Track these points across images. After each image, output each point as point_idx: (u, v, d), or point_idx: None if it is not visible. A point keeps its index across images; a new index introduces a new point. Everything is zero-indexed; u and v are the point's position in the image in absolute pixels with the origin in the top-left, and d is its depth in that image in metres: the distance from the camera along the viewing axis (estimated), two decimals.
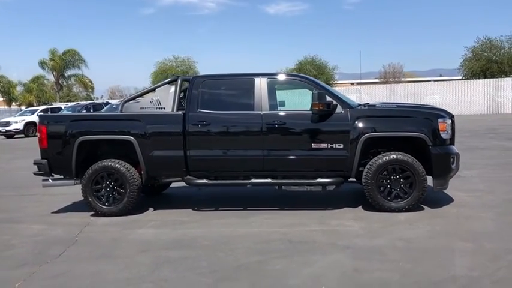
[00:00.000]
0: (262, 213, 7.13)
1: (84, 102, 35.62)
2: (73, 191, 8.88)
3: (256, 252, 5.40)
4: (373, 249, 5.34)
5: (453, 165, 6.90)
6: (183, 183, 7.86)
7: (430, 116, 6.94)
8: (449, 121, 6.94)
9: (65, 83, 48.70)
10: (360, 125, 6.85)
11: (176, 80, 7.54)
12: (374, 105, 7.59)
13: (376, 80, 53.13)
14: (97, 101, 36.04)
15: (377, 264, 4.86)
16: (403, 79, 51.61)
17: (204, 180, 7.23)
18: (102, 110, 26.87)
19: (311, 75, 44.57)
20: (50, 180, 7.69)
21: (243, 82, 7.39)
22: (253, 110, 7.10)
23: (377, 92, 36.91)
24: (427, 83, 36.95)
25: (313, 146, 6.95)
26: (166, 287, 4.53)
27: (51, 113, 29.80)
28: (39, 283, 4.77)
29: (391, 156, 6.78)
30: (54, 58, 44.09)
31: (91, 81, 47.31)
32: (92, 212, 7.50)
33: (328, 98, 6.88)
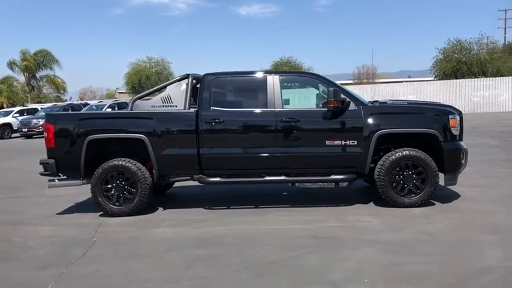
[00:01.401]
0: (276, 211, 7.13)
1: (62, 103, 34.87)
2: (69, 193, 8.80)
3: (285, 248, 5.39)
4: (401, 243, 5.41)
5: (463, 161, 7.06)
6: (183, 183, 7.83)
7: (441, 112, 7.07)
8: (458, 117, 7.09)
9: (36, 84, 47.42)
10: (373, 121, 6.92)
11: (187, 78, 7.46)
12: (385, 102, 7.70)
13: (350, 82, 53.71)
14: (75, 102, 35.28)
15: (411, 257, 4.93)
16: (376, 80, 52.37)
17: (218, 179, 7.17)
18: (82, 111, 26.38)
19: None
20: (56, 180, 7.49)
21: (255, 79, 7.38)
22: (266, 108, 7.09)
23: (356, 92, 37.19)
24: (405, 83, 37.51)
25: (327, 143, 6.98)
26: (206, 284, 4.48)
27: (27, 114, 29.20)
28: (72, 283, 4.66)
29: (404, 153, 6.88)
30: (27, 58, 42.88)
31: (64, 82, 46.27)
32: (101, 212, 7.36)
33: (342, 95, 6.93)
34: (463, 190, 7.83)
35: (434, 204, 7.06)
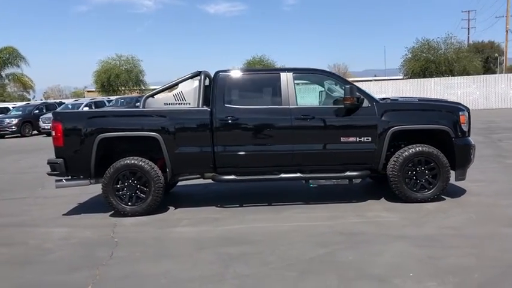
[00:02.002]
0: (290, 208, 7.15)
1: (36, 102, 33.79)
2: (68, 193, 8.63)
3: (317, 245, 5.41)
4: (429, 237, 5.50)
5: (472, 156, 7.24)
6: (183, 182, 7.79)
7: (452, 109, 7.24)
8: (467, 114, 7.27)
9: (0, 83, 45.82)
10: (387, 118, 7.02)
11: (199, 75, 7.38)
12: (397, 99, 7.81)
13: None
14: (50, 101, 34.26)
15: (444, 251, 5.02)
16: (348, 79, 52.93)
17: (233, 176, 7.13)
18: (57, 110, 25.72)
19: None
20: (63, 180, 7.29)
21: (269, 77, 7.39)
22: (280, 105, 7.09)
23: None
24: (381, 82, 38.15)
25: (342, 140, 7.04)
26: (251, 283, 4.45)
27: None
28: (111, 285, 4.55)
29: (417, 149, 7.00)
30: None
31: (31, 81, 44.91)
32: (110, 212, 7.22)
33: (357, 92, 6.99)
34: (466, 185, 7.98)
35: (444, 199, 7.21)
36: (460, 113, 7.15)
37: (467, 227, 5.85)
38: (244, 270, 4.72)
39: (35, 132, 26.08)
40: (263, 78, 7.48)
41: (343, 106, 7.01)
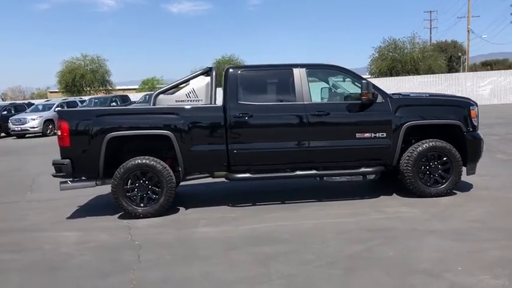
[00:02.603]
0: (306, 206, 7.05)
1: (4, 102, 32.46)
2: (58, 196, 8.26)
3: (350, 241, 5.34)
4: (458, 231, 5.52)
5: (482, 150, 7.32)
6: (183, 182, 7.56)
7: (463, 104, 7.30)
8: (476, 108, 7.36)
9: None
10: (401, 113, 7.02)
11: (210, 71, 7.19)
12: (408, 95, 7.82)
13: None
14: (18, 102, 32.93)
15: (481, 244, 5.04)
16: None
17: (247, 174, 6.97)
18: (28, 110, 24.82)
19: None
20: (68, 182, 6.96)
21: (281, 73, 7.25)
22: (295, 101, 6.98)
23: None
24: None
25: (357, 136, 6.99)
26: (300, 282, 4.32)
27: None
28: None
29: (431, 144, 7.03)
30: None
31: None
32: (118, 214, 6.96)
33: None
34: (471, 179, 8.03)
35: (456, 193, 7.26)
36: (471, 108, 7.23)
37: (491, 220, 5.89)
38: (287, 270, 4.59)
39: (3, 134, 25.03)
40: (275, 74, 7.34)
41: (358, 102, 6.97)
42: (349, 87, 7.42)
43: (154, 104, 7.18)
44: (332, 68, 7.48)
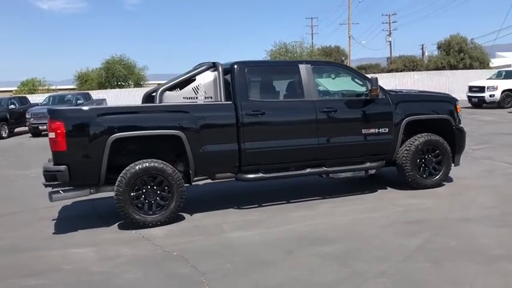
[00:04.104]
0: (318, 203, 6.95)
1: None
2: (23, 209, 7.55)
3: (401, 234, 5.37)
4: (490, 217, 5.82)
5: (465, 143, 7.82)
6: None
7: (450, 99, 7.75)
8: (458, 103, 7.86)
9: None
10: (401, 109, 7.24)
11: (214, 67, 6.76)
12: (401, 91, 8.07)
13: None
14: None
15: None
16: None
17: (260, 174, 6.68)
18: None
19: (121, 74, 42.84)
20: (61, 192, 6.09)
21: (288, 69, 7.11)
22: (303, 98, 6.86)
23: None
24: None
25: (363, 132, 7.07)
26: (401, 279, 4.21)
27: None
28: None
29: (427, 138, 7.34)
30: None
31: None
32: (116, 224, 6.32)
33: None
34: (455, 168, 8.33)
35: (444, 184, 7.63)
36: (456, 103, 7.69)
37: (503, 206, 6.30)
38: (374, 267, 4.46)
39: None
40: (282, 70, 7.19)
41: (363, 98, 7.07)
42: (350, 84, 7.46)
43: (161, 102, 6.56)
44: (333, 65, 7.49)
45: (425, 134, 7.39)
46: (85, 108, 6.79)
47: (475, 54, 45.53)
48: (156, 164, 6.13)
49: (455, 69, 40.40)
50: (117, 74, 42.81)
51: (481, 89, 20.83)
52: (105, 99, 24.98)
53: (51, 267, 4.98)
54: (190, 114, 6.29)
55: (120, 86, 41.98)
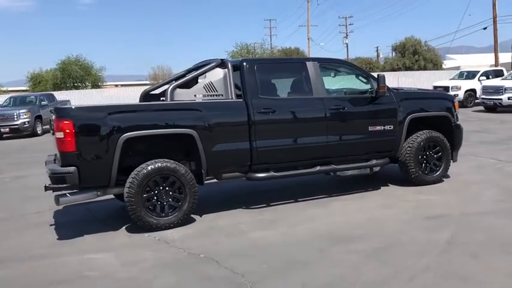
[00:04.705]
0: (327, 201, 6.89)
1: None
2: (11, 215, 7.00)
3: (427, 230, 5.40)
4: (505, 210, 5.96)
5: (462, 139, 7.99)
6: None
7: (448, 97, 7.91)
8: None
9: None
10: (404, 106, 7.31)
11: (223, 64, 6.59)
12: (402, 89, 8.14)
13: (147, 82, 52.83)
14: None
15: None
16: None
17: (271, 173, 6.56)
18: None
19: (78, 75, 41.55)
20: (68, 195, 5.76)
21: (295, 66, 7.02)
22: (312, 95, 6.81)
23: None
24: None
25: (369, 129, 7.09)
26: (449, 272, 4.21)
27: None
28: None
29: (428, 134, 7.44)
30: None
31: None
32: (123, 228, 6.08)
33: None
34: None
35: (444, 180, 7.77)
36: (454, 101, 7.85)
37: (510, 198, 6.46)
38: (416, 263, 4.44)
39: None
40: (290, 67, 7.09)
41: (370, 95, 7.10)
42: (352, 82, 7.47)
43: (172, 99, 6.32)
44: (340, 62, 7.47)
45: (427, 130, 7.48)
46: (95, 106, 6.47)
47: (428, 56, 47.09)
48: (168, 164, 5.90)
49: (411, 71, 41.68)
50: (74, 74, 41.49)
51: (446, 89, 21.44)
52: (69, 101, 24.08)
53: (73, 275, 4.68)
54: (202, 112, 6.10)
55: (77, 87, 40.72)
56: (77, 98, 30.45)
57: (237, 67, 6.58)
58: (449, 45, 47.16)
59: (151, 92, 7.57)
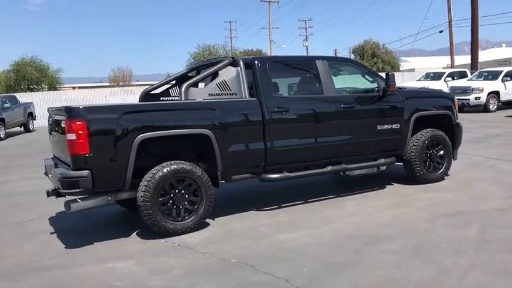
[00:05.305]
0: (339, 201, 6.82)
1: None
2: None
3: (454, 227, 5.37)
4: None
5: (462, 137, 8.10)
6: None
7: (449, 96, 7.99)
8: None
9: None
10: (410, 105, 7.32)
11: (235, 62, 6.39)
12: (405, 88, 8.15)
13: (107, 84, 51.45)
14: None
15: None
16: (133, 82, 51.73)
17: (285, 174, 6.41)
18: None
19: (33, 77, 39.92)
20: (79, 200, 5.41)
21: (305, 65, 6.90)
22: (322, 94, 6.71)
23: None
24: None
25: (378, 128, 7.06)
26: (497, 270, 4.17)
27: None
28: None
29: (432, 133, 7.49)
30: None
31: None
32: (133, 234, 5.82)
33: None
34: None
35: (445, 178, 7.84)
36: (455, 100, 7.95)
37: None
38: (456, 261, 4.39)
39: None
40: (300, 65, 6.94)
41: (378, 94, 7.08)
42: (356, 81, 7.43)
43: (186, 99, 6.05)
44: (347, 61, 7.42)
45: (431, 129, 7.53)
46: (108, 105, 6.12)
47: (386, 59, 48.23)
48: (184, 166, 5.65)
49: None
50: (29, 76, 39.75)
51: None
52: (32, 103, 23.04)
53: (101, 285, 4.37)
54: (217, 111, 5.88)
55: (32, 89, 39.07)
56: (37, 100, 29.13)
57: (248, 65, 6.39)
58: (401, 48, 48.54)
59: (151, 92, 7.28)
